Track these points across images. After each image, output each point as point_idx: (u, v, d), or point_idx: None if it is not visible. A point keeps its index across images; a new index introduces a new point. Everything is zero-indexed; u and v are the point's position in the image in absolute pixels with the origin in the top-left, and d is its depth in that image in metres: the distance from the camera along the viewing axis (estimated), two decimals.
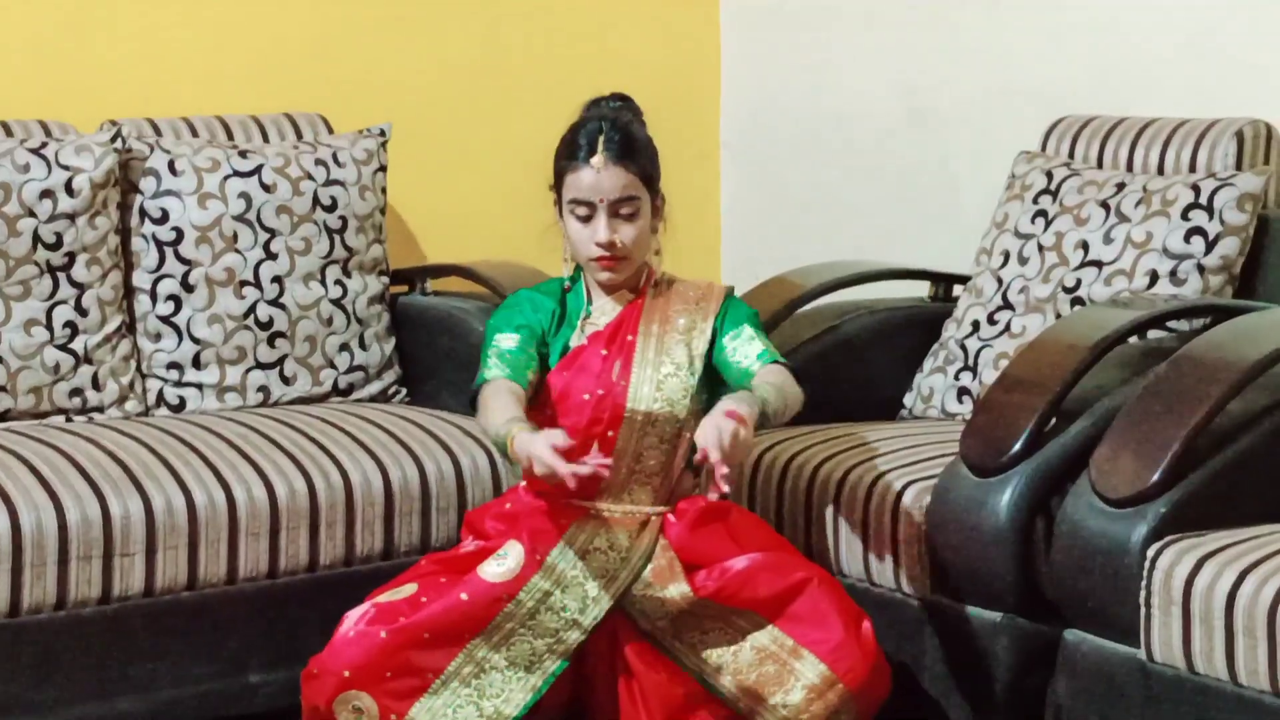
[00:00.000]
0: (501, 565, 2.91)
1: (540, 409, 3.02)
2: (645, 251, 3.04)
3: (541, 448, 2.70)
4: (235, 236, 3.75)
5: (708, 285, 3.12)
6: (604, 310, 3.07)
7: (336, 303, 3.84)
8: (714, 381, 3.08)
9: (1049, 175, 3.76)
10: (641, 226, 3.00)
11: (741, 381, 2.99)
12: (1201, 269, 3.47)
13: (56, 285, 3.59)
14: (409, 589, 2.94)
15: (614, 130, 2.98)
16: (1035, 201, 3.74)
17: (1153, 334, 3.41)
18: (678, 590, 2.94)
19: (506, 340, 3.01)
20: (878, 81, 4.56)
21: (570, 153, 3.00)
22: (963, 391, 3.68)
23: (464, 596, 2.89)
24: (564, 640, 2.92)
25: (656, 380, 3.00)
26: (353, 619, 2.89)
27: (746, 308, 3.12)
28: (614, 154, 2.96)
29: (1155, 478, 2.88)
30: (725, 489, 2.72)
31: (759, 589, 2.95)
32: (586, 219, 2.99)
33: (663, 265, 3.13)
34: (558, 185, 3.04)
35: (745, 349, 3.04)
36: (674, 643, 2.96)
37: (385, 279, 3.95)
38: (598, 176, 2.96)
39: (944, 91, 4.41)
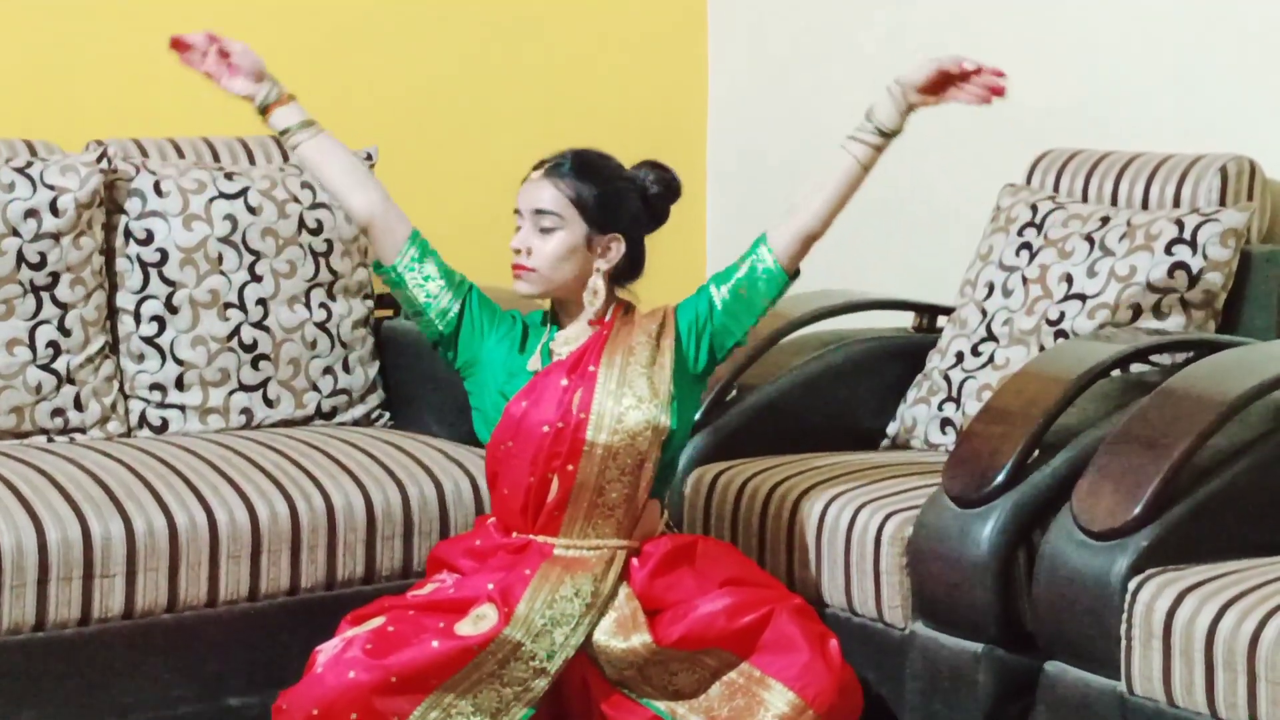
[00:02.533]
0: (479, 625, 2.91)
1: (500, 440, 3.02)
2: (559, 276, 3.03)
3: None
4: (220, 258, 3.74)
5: (661, 310, 3.12)
6: (569, 340, 3.07)
7: (321, 326, 3.83)
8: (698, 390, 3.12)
9: (1034, 208, 3.77)
10: (556, 246, 3.01)
11: (761, 259, 3.08)
12: (1185, 303, 3.48)
13: (40, 305, 3.58)
14: (376, 621, 2.93)
15: (569, 155, 3.05)
16: (1020, 234, 3.75)
17: (1135, 368, 3.42)
18: (640, 640, 2.92)
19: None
20: (861, 114, 4.56)
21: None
22: (946, 422, 3.69)
23: (435, 645, 2.88)
24: (531, 689, 2.91)
25: (618, 413, 2.99)
26: (325, 654, 2.88)
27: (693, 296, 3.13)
28: (549, 169, 3.04)
29: (1137, 511, 2.88)
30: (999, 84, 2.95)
31: (724, 628, 2.93)
32: (519, 229, 3.05)
33: (639, 308, 3.14)
34: None
35: (729, 273, 3.10)
36: (643, 687, 2.95)
37: (370, 303, 3.95)
38: (530, 186, 3.05)
39: (929, 123, 4.40)
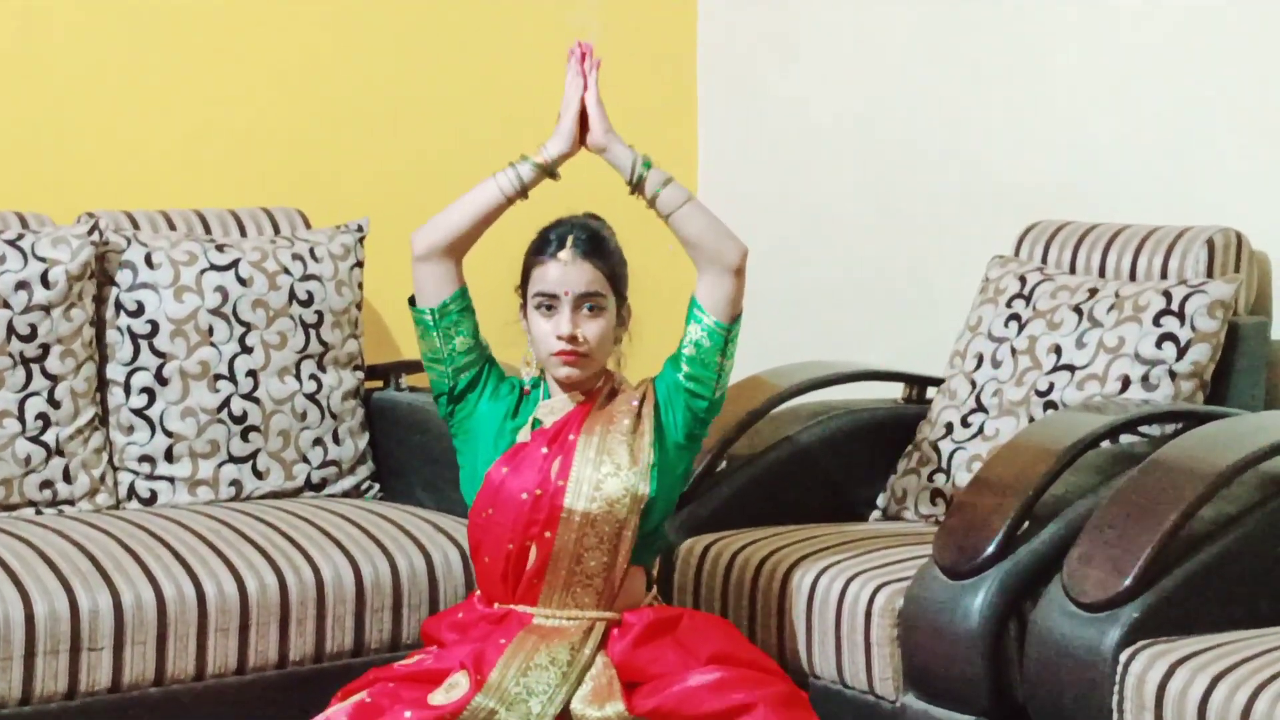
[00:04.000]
0: (450, 693, 2.90)
1: (480, 508, 3.01)
2: (606, 354, 3.04)
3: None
4: (210, 330, 3.75)
5: (644, 382, 3.10)
6: (553, 410, 3.06)
7: (311, 397, 3.83)
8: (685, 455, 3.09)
9: (1022, 279, 3.79)
10: (604, 326, 3.00)
11: (696, 318, 3.02)
12: (1173, 375, 3.49)
13: (30, 377, 3.58)
14: (358, 695, 2.92)
15: (583, 230, 3.03)
16: (1009, 305, 3.76)
17: (1125, 439, 3.42)
18: (614, 710, 2.90)
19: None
20: (850, 190, 4.60)
21: (539, 249, 3.03)
22: (936, 493, 3.68)
23: (408, 715, 2.86)
24: None
25: (596, 480, 2.97)
26: None
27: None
28: (581, 250, 2.99)
29: (1127, 583, 2.88)
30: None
31: (699, 707, 2.88)
32: (550, 312, 2.99)
33: (624, 374, 3.14)
34: (524, 283, 3.05)
35: (681, 340, 3.05)
36: None
37: (360, 374, 3.95)
38: (564, 270, 2.98)
39: (916, 199, 4.45)
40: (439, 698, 2.89)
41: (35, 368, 3.58)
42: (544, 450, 3.00)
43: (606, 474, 2.98)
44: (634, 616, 3.00)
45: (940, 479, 3.68)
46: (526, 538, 2.96)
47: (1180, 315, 3.50)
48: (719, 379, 3.04)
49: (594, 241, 3.01)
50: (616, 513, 2.97)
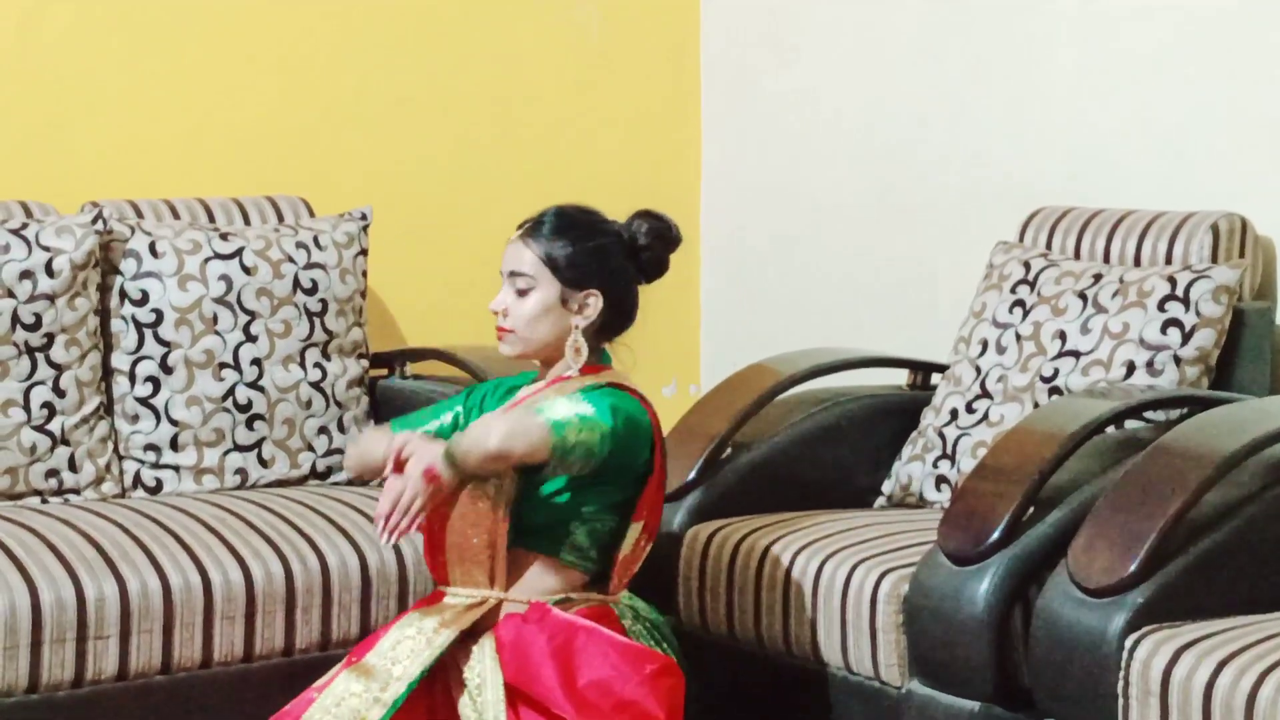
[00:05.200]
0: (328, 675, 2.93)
1: None
2: (541, 337, 3.00)
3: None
4: (215, 319, 3.75)
5: (584, 380, 3.01)
6: (530, 391, 3.06)
7: (316, 385, 3.84)
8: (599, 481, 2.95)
9: (1026, 265, 3.78)
10: (532, 307, 2.99)
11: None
12: (1178, 360, 3.49)
13: (35, 366, 3.58)
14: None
15: (549, 214, 3.03)
16: (1013, 291, 3.76)
17: (1130, 424, 3.42)
18: (494, 690, 2.86)
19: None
20: (854, 177, 4.59)
21: None
22: (941, 480, 3.68)
23: (313, 696, 2.90)
24: (367, 718, 2.88)
25: None
26: None
27: (607, 392, 2.97)
28: (527, 231, 3.02)
29: (1132, 568, 2.88)
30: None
31: None
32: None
33: (620, 368, 3.07)
34: None
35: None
36: None
37: (365, 362, 3.95)
38: (508, 248, 3.04)
39: (920, 186, 4.44)
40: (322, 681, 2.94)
41: (40, 357, 3.59)
42: None
43: None
44: (536, 614, 2.91)
45: (945, 465, 3.68)
46: (432, 515, 2.94)
47: (1185, 300, 3.50)
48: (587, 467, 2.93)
49: (550, 225, 3.01)
50: (486, 491, 2.92)
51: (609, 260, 3.04)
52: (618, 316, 3.06)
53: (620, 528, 2.99)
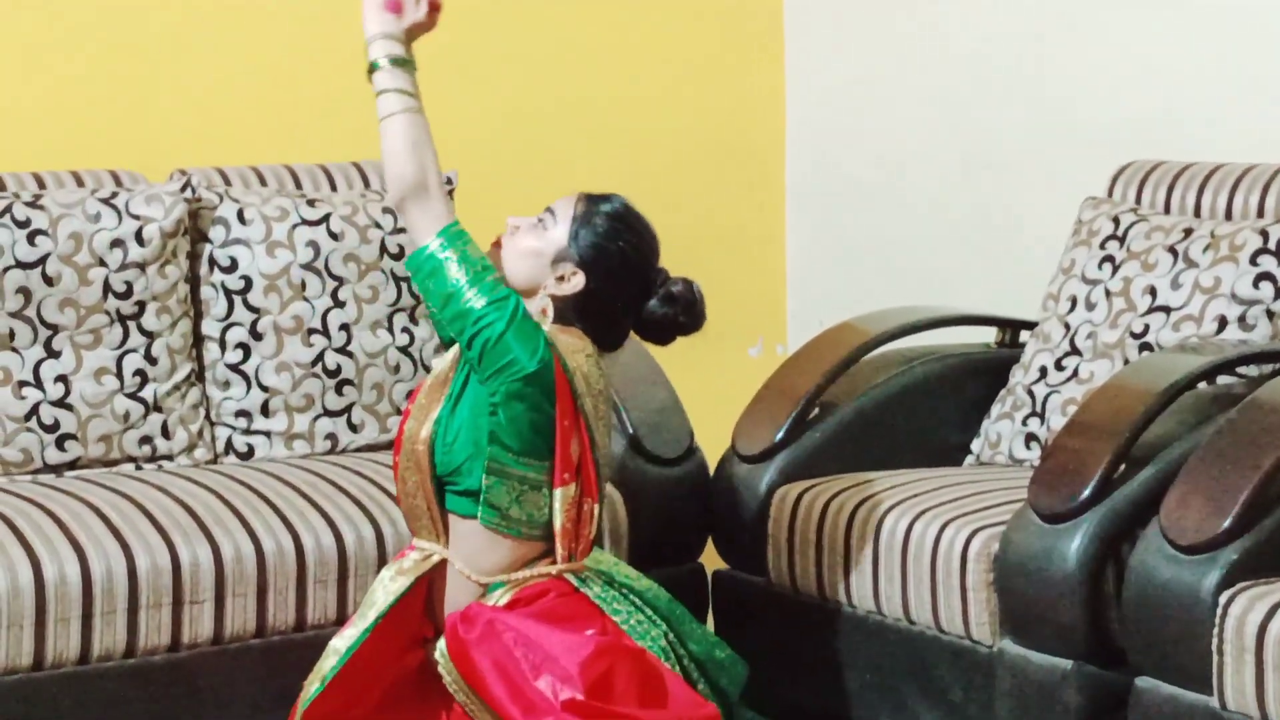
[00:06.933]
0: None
1: None
2: (513, 269, 2.90)
3: None
4: (303, 285, 3.77)
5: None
6: None
7: (403, 350, 3.86)
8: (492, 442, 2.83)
9: (1115, 221, 3.75)
10: (527, 243, 2.91)
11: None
12: (1270, 314, 3.45)
13: (127, 334, 3.62)
14: None
15: (616, 199, 2.95)
16: (1102, 247, 3.73)
17: (1222, 379, 3.39)
18: (440, 648, 2.86)
19: None
20: (940, 128, 4.57)
21: None
22: (1030, 438, 3.66)
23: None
24: (321, 668, 2.90)
25: (421, 418, 2.89)
26: None
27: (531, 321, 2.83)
28: (590, 195, 2.95)
29: (1226, 524, 2.86)
30: None
31: None
32: None
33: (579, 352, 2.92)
34: None
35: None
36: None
37: None
38: (569, 197, 2.97)
39: (1007, 138, 4.41)
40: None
41: (132, 325, 3.62)
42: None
43: (424, 413, 2.89)
44: (476, 610, 2.83)
45: (1035, 423, 3.66)
46: (397, 470, 2.94)
47: (1278, 254, 3.46)
48: (431, 306, 2.86)
49: (605, 202, 2.93)
50: (419, 451, 2.89)
51: (617, 270, 2.91)
52: (590, 322, 2.91)
53: (546, 497, 2.85)
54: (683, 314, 2.95)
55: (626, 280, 2.93)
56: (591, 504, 2.89)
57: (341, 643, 2.90)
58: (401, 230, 3.87)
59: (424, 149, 2.90)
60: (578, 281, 2.90)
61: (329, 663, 2.90)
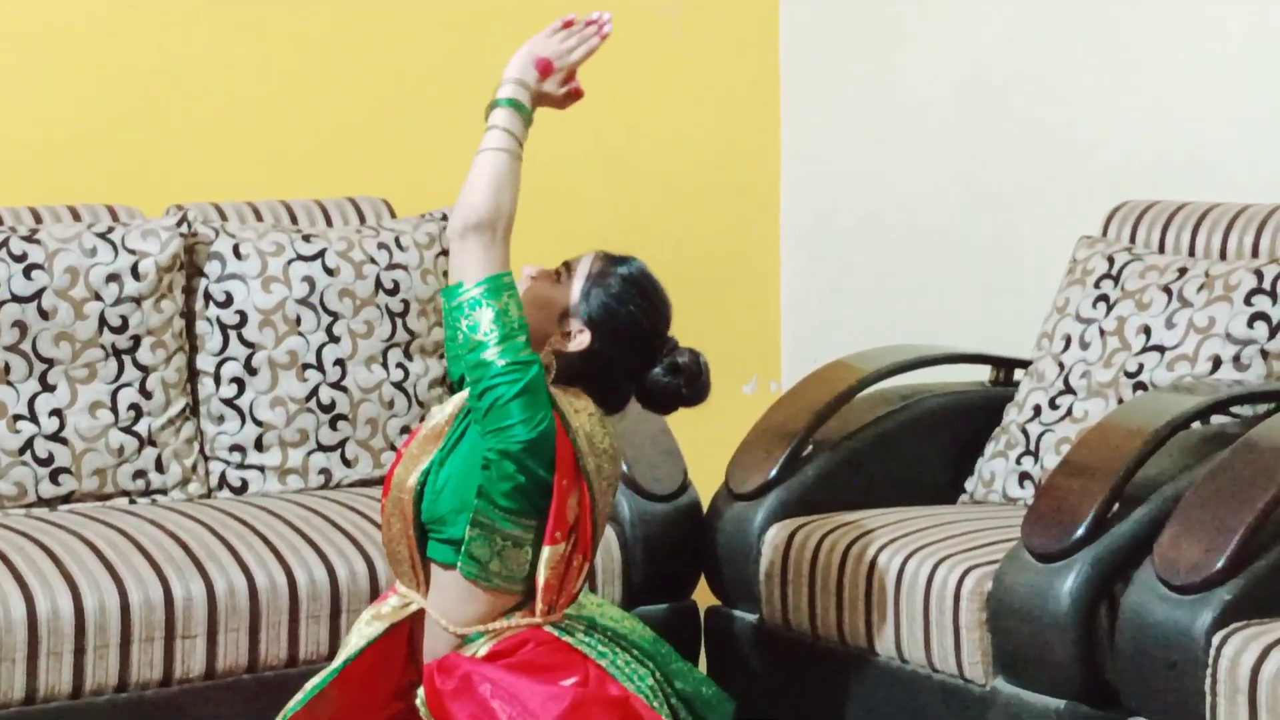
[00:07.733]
0: None
1: None
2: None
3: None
4: (298, 320, 3.78)
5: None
6: None
7: (398, 386, 3.86)
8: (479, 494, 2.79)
9: (1110, 260, 3.76)
10: (536, 288, 2.87)
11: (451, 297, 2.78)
12: (1265, 354, 3.46)
13: (122, 368, 3.62)
14: None
15: (635, 263, 2.93)
16: (1097, 286, 3.73)
17: (1216, 419, 3.39)
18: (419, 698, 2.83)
19: None
20: (935, 167, 4.58)
21: None
22: (1024, 476, 3.67)
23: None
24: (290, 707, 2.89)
25: (410, 466, 2.84)
26: None
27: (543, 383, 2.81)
28: (610, 255, 2.93)
29: (1220, 564, 2.86)
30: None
31: None
32: None
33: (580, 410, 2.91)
34: None
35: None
36: None
37: (446, 362, 3.97)
38: (591, 253, 2.95)
39: (1004, 177, 4.42)
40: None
41: (127, 359, 3.62)
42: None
43: (414, 461, 2.86)
44: (454, 660, 2.80)
45: (1028, 462, 3.66)
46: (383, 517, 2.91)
47: (1272, 294, 3.46)
48: (454, 340, 2.83)
49: (623, 264, 2.91)
50: (404, 499, 2.85)
51: (628, 338, 2.89)
52: (590, 383, 2.89)
53: (529, 554, 2.81)
54: (686, 385, 2.91)
55: (632, 345, 2.90)
56: (583, 561, 2.86)
57: (310, 683, 2.87)
58: (397, 265, 3.87)
59: (505, 191, 2.88)
60: (583, 340, 2.87)
61: (293, 701, 2.87)
